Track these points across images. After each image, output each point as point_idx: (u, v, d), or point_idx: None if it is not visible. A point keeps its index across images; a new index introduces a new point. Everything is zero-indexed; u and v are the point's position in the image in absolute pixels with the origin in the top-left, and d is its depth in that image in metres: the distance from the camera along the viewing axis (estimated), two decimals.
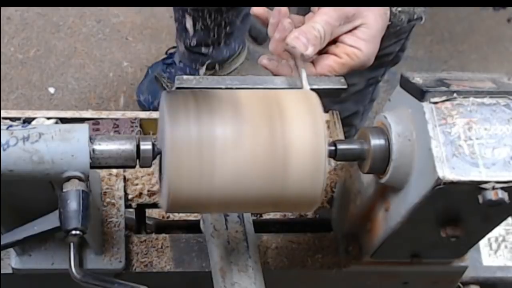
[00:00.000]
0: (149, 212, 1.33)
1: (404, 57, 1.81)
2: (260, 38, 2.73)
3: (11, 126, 0.93)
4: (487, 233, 1.10)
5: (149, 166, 0.97)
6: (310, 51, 1.06)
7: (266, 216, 1.33)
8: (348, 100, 1.88)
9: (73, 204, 0.92)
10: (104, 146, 0.95)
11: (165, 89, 2.53)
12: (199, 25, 2.38)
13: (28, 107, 2.56)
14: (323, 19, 1.07)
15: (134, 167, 0.97)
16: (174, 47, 2.60)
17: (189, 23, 2.38)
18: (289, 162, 0.93)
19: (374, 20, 1.10)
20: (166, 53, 2.65)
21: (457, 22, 2.94)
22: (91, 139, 0.94)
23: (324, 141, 0.93)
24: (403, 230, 1.04)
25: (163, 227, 1.31)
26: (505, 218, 1.04)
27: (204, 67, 2.53)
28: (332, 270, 1.20)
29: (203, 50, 2.50)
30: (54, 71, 2.67)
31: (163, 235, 1.20)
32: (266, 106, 0.95)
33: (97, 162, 0.94)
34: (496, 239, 1.30)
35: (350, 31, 1.10)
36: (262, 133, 0.93)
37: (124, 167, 0.97)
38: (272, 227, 1.28)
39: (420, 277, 1.24)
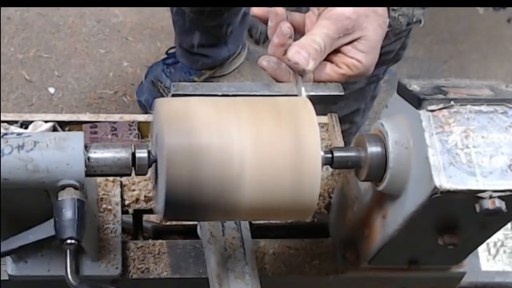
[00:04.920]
0: (147, 215, 1.32)
1: (404, 57, 1.81)
2: (260, 38, 2.73)
3: (6, 134, 0.92)
4: (485, 240, 1.09)
5: (145, 174, 0.97)
6: (311, 65, 1.05)
7: (263, 221, 1.33)
8: (350, 97, 1.88)
9: (68, 213, 0.91)
10: (100, 154, 0.94)
11: (162, 94, 2.53)
12: (198, 26, 2.38)
13: (28, 107, 2.56)
14: (322, 32, 1.06)
15: (129, 175, 0.96)
16: (174, 47, 2.60)
17: (187, 24, 2.38)
18: (284, 169, 0.92)
19: (373, 31, 1.09)
20: (166, 53, 2.64)
21: (457, 22, 2.93)
22: (86, 147, 0.94)
23: (319, 149, 0.93)
24: (400, 237, 1.03)
25: (160, 231, 1.31)
26: (502, 226, 1.04)
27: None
28: (330, 276, 1.19)
29: (203, 51, 2.50)
30: (54, 71, 2.66)
31: (160, 241, 1.20)
32: (262, 114, 0.94)
33: (93, 170, 0.94)
34: (495, 244, 1.30)
35: (349, 42, 1.09)
36: (258, 140, 0.92)
37: (119, 175, 0.97)
38: (269, 232, 1.27)
39: (418, 283, 1.23)
